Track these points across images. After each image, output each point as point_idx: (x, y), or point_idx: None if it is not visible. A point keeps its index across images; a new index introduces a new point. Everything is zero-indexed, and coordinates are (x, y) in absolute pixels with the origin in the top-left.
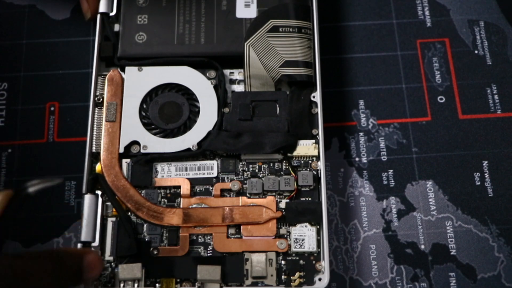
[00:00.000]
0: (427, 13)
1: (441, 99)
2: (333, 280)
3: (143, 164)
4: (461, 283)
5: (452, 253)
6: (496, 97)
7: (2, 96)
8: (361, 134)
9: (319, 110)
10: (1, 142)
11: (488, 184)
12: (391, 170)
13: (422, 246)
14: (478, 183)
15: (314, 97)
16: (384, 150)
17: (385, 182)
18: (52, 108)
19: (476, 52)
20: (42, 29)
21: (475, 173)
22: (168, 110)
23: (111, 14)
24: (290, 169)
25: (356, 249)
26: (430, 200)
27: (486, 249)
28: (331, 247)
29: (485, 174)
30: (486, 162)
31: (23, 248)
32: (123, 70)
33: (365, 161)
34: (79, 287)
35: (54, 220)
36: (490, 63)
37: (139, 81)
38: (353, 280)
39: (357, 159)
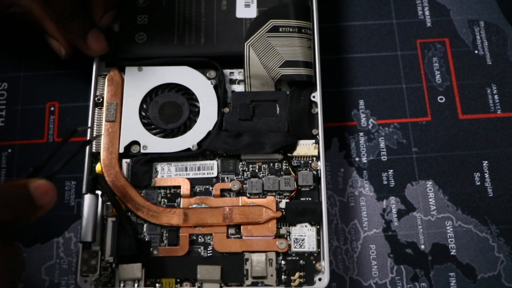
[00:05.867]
0: (427, 13)
1: (441, 99)
2: (333, 280)
3: (143, 164)
4: (461, 283)
5: (452, 253)
6: (496, 97)
7: (2, 96)
8: (361, 134)
9: (319, 110)
10: (1, 142)
11: (488, 184)
12: (391, 170)
13: (422, 246)
14: (478, 183)
15: (314, 97)
16: (384, 150)
17: (385, 182)
18: (52, 108)
19: (476, 52)
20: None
21: (475, 173)
22: (168, 110)
23: None
24: (290, 169)
25: (356, 249)
26: (430, 200)
27: (486, 249)
28: (331, 247)
29: (485, 174)
30: (486, 162)
31: (24, 248)
32: (123, 70)
33: (365, 161)
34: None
35: (54, 220)
36: (490, 63)
37: (139, 81)
38: (353, 280)
39: (357, 159)
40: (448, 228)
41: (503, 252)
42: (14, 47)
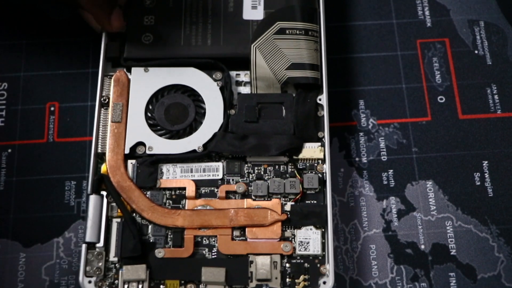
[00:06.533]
0: (427, 13)
1: (441, 99)
2: None
3: (149, 165)
4: (461, 283)
5: (452, 253)
6: (496, 97)
7: (2, 96)
8: (361, 134)
9: (325, 112)
10: (1, 142)
11: (488, 184)
12: (391, 170)
13: (422, 246)
14: (478, 183)
15: (320, 99)
16: (384, 150)
17: (385, 182)
18: (52, 108)
19: (476, 52)
20: (42, 29)
21: (475, 173)
22: (174, 111)
23: None
24: (295, 171)
25: (356, 249)
26: (430, 200)
27: (486, 249)
28: None
29: (485, 174)
30: (486, 162)
31: (24, 248)
32: (129, 71)
33: (365, 161)
34: None
35: (54, 220)
36: (490, 63)
37: (145, 82)
38: (353, 280)
39: (357, 159)
40: (448, 228)
41: (503, 252)
42: (14, 47)
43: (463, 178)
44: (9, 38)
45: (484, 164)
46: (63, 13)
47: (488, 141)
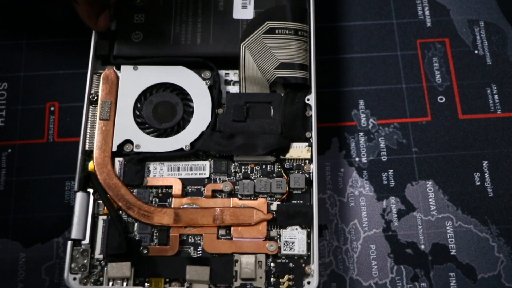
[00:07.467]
0: (427, 13)
1: (441, 99)
2: (333, 280)
3: (136, 163)
4: (461, 283)
5: (452, 253)
6: (496, 97)
7: (2, 96)
8: (361, 134)
9: (313, 113)
10: (1, 142)
11: (488, 184)
12: (391, 170)
13: (422, 246)
14: (478, 183)
15: (308, 99)
16: (384, 150)
17: (385, 182)
18: (52, 108)
19: (476, 52)
20: (42, 29)
21: (475, 173)
22: (162, 109)
23: None
24: (282, 171)
25: (356, 249)
26: (430, 200)
27: (486, 249)
28: (331, 247)
29: (485, 174)
30: (486, 162)
31: (24, 248)
32: (119, 69)
33: (365, 161)
34: None
35: (54, 220)
36: (490, 63)
37: (134, 80)
38: (353, 280)
39: (357, 159)
40: (448, 228)
41: (503, 252)
42: (14, 47)
43: (463, 178)
44: (9, 38)
45: (484, 164)
46: (63, 13)
47: (488, 141)
